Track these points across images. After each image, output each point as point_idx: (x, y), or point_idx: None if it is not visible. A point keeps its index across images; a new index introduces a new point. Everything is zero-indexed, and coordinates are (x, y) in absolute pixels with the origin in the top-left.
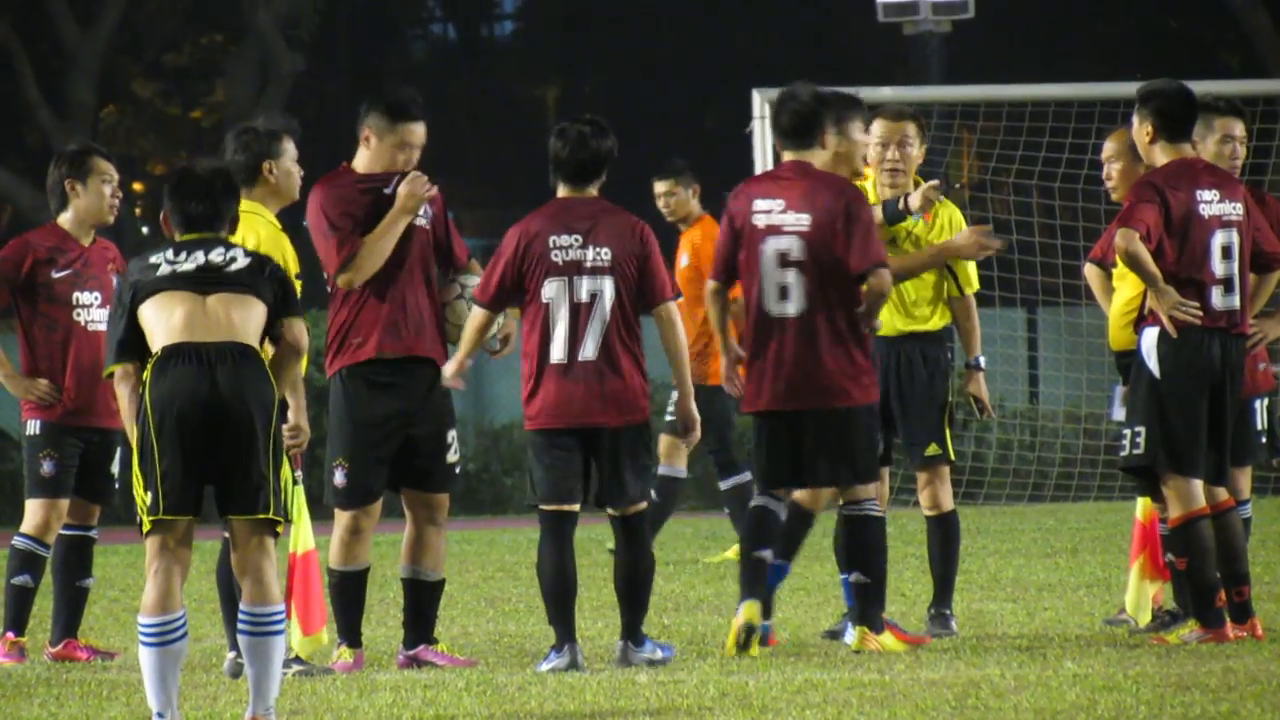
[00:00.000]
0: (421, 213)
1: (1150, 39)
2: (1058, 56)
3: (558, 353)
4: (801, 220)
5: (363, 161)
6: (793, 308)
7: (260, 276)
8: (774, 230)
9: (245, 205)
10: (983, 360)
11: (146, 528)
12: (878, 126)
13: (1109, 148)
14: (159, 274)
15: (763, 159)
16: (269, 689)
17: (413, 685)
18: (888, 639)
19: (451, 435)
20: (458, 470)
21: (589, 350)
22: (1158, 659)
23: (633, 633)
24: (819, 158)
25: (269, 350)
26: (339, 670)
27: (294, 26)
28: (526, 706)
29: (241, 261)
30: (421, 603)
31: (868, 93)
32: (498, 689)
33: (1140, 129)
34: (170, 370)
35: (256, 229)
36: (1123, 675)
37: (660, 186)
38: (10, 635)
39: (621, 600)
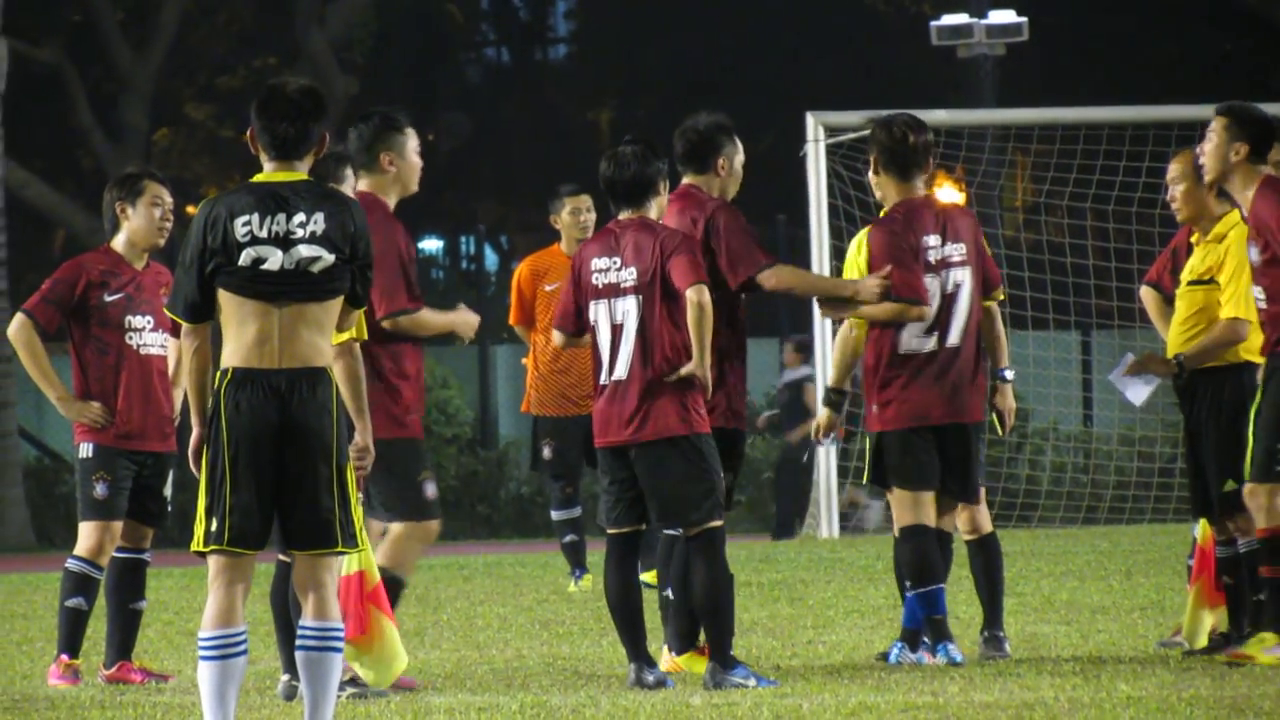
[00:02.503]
0: None
1: (1204, 62)
2: (1112, 79)
3: (602, 374)
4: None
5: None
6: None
7: (344, 270)
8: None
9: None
10: (1008, 373)
11: (200, 548)
12: None
13: (1174, 170)
14: (240, 261)
15: (816, 182)
16: (326, 711)
17: (467, 708)
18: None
19: None
20: None
21: (620, 370)
22: (1212, 681)
23: (718, 653)
24: (715, 184)
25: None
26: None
27: (347, 49)
28: None
29: (327, 258)
30: None
31: (922, 115)
32: (551, 711)
33: (1229, 147)
34: (244, 399)
35: None
36: (1177, 698)
37: (584, 202)
38: (64, 658)
39: (701, 621)
